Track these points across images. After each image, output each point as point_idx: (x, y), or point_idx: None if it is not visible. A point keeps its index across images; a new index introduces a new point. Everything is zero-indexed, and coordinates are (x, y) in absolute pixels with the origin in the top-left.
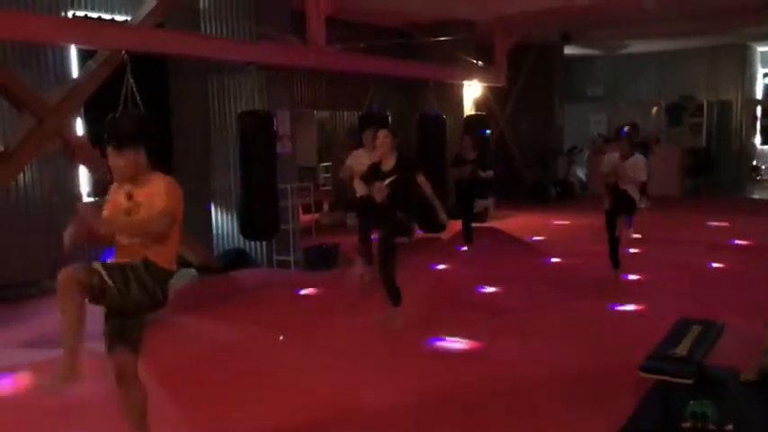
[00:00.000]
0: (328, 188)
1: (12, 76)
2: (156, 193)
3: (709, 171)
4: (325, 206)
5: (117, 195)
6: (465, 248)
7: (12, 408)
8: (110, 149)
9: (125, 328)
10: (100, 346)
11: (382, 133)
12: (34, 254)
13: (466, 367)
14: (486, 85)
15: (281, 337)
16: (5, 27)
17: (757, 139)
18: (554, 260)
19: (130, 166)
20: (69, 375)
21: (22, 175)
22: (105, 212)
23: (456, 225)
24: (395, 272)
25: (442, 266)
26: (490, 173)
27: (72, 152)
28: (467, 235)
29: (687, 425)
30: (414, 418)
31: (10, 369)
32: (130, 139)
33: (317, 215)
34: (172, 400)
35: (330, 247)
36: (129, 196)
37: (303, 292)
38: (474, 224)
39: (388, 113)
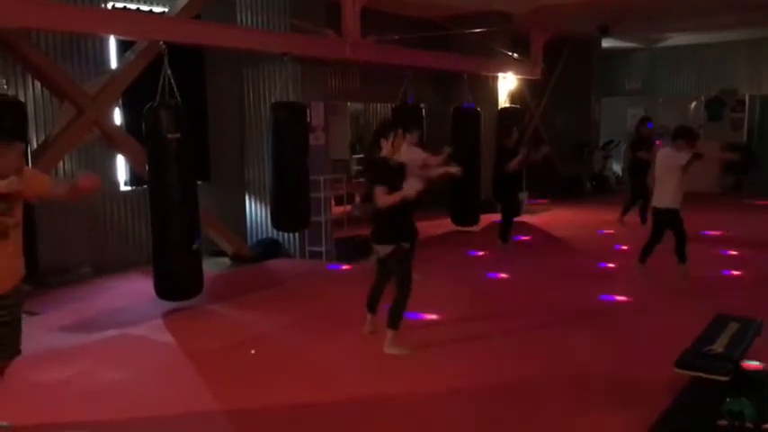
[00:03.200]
0: (360, 180)
1: (54, 67)
2: (36, 180)
3: (750, 167)
4: (357, 198)
5: None
6: (501, 245)
7: (50, 390)
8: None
9: None
10: (135, 331)
11: (398, 133)
12: (73, 241)
13: (493, 358)
14: (521, 77)
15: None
16: (47, 18)
17: None
18: (587, 257)
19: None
20: None
21: (61, 163)
22: None
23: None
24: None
25: (479, 252)
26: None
27: (110, 142)
28: (506, 231)
29: (723, 423)
30: (438, 405)
31: (49, 353)
32: (7, 134)
33: (348, 207)
34: (205, 385)
35: (362, 239)
36: (3, 196)
37: (334, 283)
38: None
39: (422, 106)
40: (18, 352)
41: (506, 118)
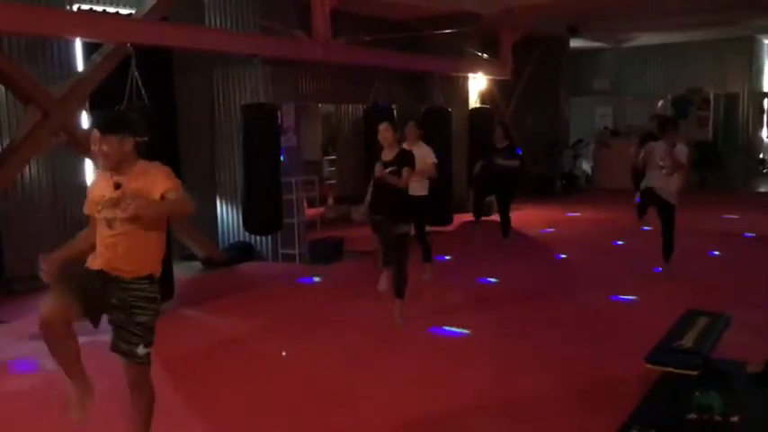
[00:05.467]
0: (333, 182)
1: (18, 70)
2: (157, 181)
3: (716, 165)
4: (330, 200)
5: (102, 184)
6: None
7: (21, 398)
8: (95, 134)
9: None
10: (106, 337)
11: (383, 126)
12: (40, 247)
13: (469, 357)
14: (491, 78)
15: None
16: (11, 21)
17: (764, 133)
18: (561, 255)
19: (114, 153)
20: (84, 395)
21: (27, 168)
22: (90, 201)
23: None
24: (407, 262)
25: (447, 258)
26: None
27: (77, 145)
28: (506, 226)
29: (693, 416)
30: (415, 406)
31: (19, 360)
32: (114, 124)
33: (321, 209)
34: (176, 390)
35: (335, 241)
36: (117, 186)
37: (308, 285)
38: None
39: (393, 107)
40: (123, 353)
41: (474, 118)
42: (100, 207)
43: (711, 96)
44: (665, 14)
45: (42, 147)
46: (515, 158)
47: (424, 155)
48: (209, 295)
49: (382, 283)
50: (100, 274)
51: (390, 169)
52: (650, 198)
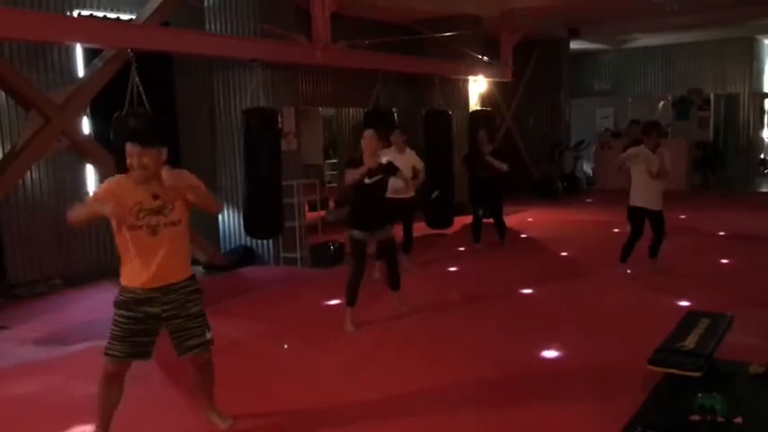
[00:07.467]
0: (334, 185)
1: (19, 76)
2: (189, 179)
3: (717, 165)
4: (331, 203)
5: (138, 194)
6: (476, 246)
7: (25, 404)
8: (134, 148)
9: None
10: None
11: (368, 133)
12: (42, 252)
13: (474, 357)
14: (492, 80)
15: (286, 346)
16: (12, 26)
17: (765, 133)
18: (563, 254)
19: (152, 164)
20: None
21: (29, 173)
22: (130, 212)
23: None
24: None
25: (451, 260)
26: (505, 165)
27: (79, 151)
28: (502, 227)
29: (696, 418)
30: (418, 409)
31: (20, 367)
32: (154, 138)
33: (322, 212)
34: (179, 395)
35: (336, 245)
36: (156, 196)
37: (309, 288)
38: (486, 220)
39: (394, 110)
40: (197, 346)
41: (475, 121)
42: (142, 215)
43: (712, 97)
44: (664, 15)
45: (44, 152)
46: (503, 161)
47: (412, 161)
48: (212, 299)
49: (351, 322)
50: (145, 300)
51: (377, 178)
52: (641, 214)
